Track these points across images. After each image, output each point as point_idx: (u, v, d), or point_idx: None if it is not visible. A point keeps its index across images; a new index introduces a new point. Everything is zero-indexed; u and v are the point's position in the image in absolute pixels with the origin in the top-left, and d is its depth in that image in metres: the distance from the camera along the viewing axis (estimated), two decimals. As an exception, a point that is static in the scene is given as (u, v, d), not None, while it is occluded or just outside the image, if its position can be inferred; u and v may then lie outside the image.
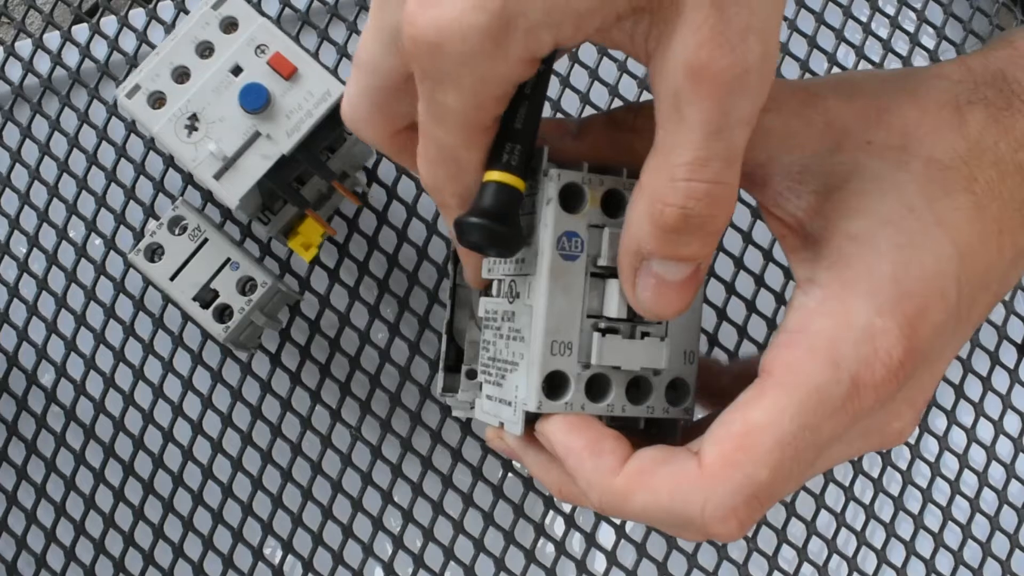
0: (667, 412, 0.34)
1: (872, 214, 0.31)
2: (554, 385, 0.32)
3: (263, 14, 0.52)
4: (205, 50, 0.42)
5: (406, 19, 0.28)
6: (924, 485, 0.51)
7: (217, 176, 0.41)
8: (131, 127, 0.51)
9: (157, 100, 0.42)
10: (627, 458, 0.32)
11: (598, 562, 0.50)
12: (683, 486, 0.30)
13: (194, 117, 0.41)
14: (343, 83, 0.42)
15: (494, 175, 0.30)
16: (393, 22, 0.29)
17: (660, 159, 0.28)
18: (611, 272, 0.32)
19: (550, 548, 0.50)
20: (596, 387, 0.33)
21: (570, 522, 0.50)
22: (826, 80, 0.33)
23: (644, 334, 0.33)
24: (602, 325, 0.32)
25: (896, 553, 0.50)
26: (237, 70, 0.41)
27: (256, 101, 0.40)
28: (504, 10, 0.27)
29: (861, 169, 0.31)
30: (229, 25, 0.42)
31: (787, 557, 0.50)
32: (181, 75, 0.42)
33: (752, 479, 0.29)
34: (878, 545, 0.50)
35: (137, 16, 0.52)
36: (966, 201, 0.31)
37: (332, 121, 0.41)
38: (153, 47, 0.51)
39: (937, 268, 0.30)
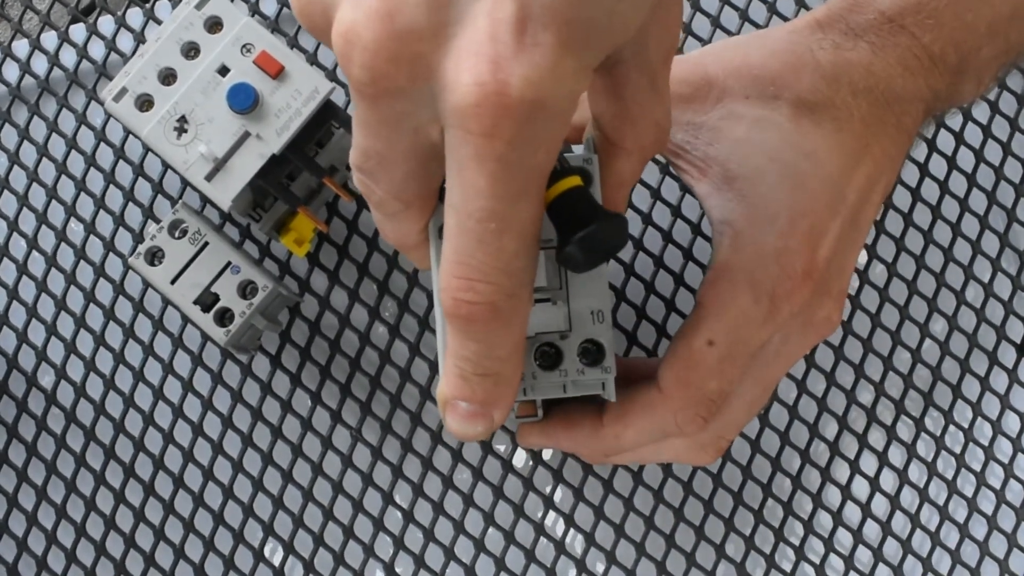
0: (582, 373, 0.32)
1: (759, 155, 0.34)
2: None
3: (261, 15, 0.46)
4: (190, 51, 0.37)
5: (484, 89, 0.23)
6: (921, 485, 0.46)
7: (208, 178, 0.36)
8: (133, 134, 0.45)
9: (145, 103, 0.37)
10: (599, 414, 0.36)
11: (598, 562, 0.45)
12: (655, 411, 0.35)
13: (183, 119, 0.36)
14: (332, 81, 0.37)
15: (562, 185, 0.28)
16: (421, 97, 0.25)
17: (647, 113, 0.31)
18: None
19: (550, 548, 0.45)
20: None
21: (570, 522, 0.45)
22: (700, 51, 0.37)
23: (538, 300, 0.32)
24: None
25: (893, 551, 0.45)
26: (224, 70, 0.36)
27: (244, 101, 0.35)
28: (585, 41, 0.24)
29: (743, 119, 0.34)
30: (213, 25, 0.37)
31: (786, 555, 0.45)
32: (167, 77, 0.37)
33: (704, 388, 0.34)
34: (874, 543, 0.45)
35: (134, 16, 0.47)
36: (832, 127, 0.34)
37: (321, 118, 0.36)
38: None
39: (821, 187, 0.33)
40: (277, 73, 0.36)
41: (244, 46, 0.36)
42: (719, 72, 0.35)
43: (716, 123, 0.35)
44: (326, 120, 0.38)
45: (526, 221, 0.25)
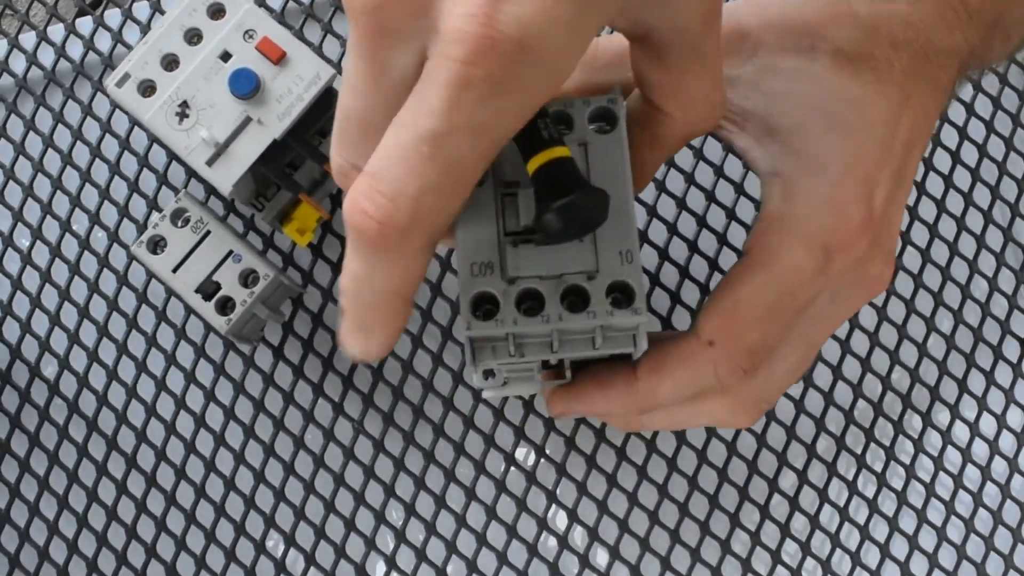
0: (611, 315, 0.30)
1: (801, 106, 0.32)
2: (486, 308, 0.30)
3: (268, 8, 0.47)
4: (193, 37, 0.37)
5: (474, 20, 0.23)
6: (927, 479, 0.45)
7: (210, 162, 0.36)
8: (135, 120, 0.46)
9: (147, 88, 0.37)
10: (632, 371, 0.34)
11: (600, 556, 0.44)
12: (694, 362, 0.33)
13: (184, 104, 0.36)
14: (334, 68, 0.37)
15: (549, 153, 0.27)
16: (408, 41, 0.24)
17: (693, 83, 0.30)
18: (518, 186, 0.30)
19: (552, 542, 0.45)
20: (530, 303, 0.30)
21: (572, 516, 0.45)
22: (731, 2, 0.35)
23: None
24: (518, 239, 0.30)
25: (899, 547, 0.45)
26: (226, 56, 0.37)
27: (246, 86, 0.35)
28: None
29: (781, 72, 0.33)
30: (216, 11, 0.37)
31: (789, 551, 0.45)
32: (170, 63, 0.37)
33: (746, 338, 0.32)
34: (881, 539, 0.45)
35: (141, 9, 0.47)
36: (872, 78, 0.32)
37: (323, 105, 0.36)
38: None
39: (869, 137, 0.32)
40: (279, 59, 0.36)
41: (246, 32, 0.37)
42: (752, 23, 0.33)
43: (752, 77, 0.33)
44: (328, 107, 0.38)
45: (462, 163, 0.24)
